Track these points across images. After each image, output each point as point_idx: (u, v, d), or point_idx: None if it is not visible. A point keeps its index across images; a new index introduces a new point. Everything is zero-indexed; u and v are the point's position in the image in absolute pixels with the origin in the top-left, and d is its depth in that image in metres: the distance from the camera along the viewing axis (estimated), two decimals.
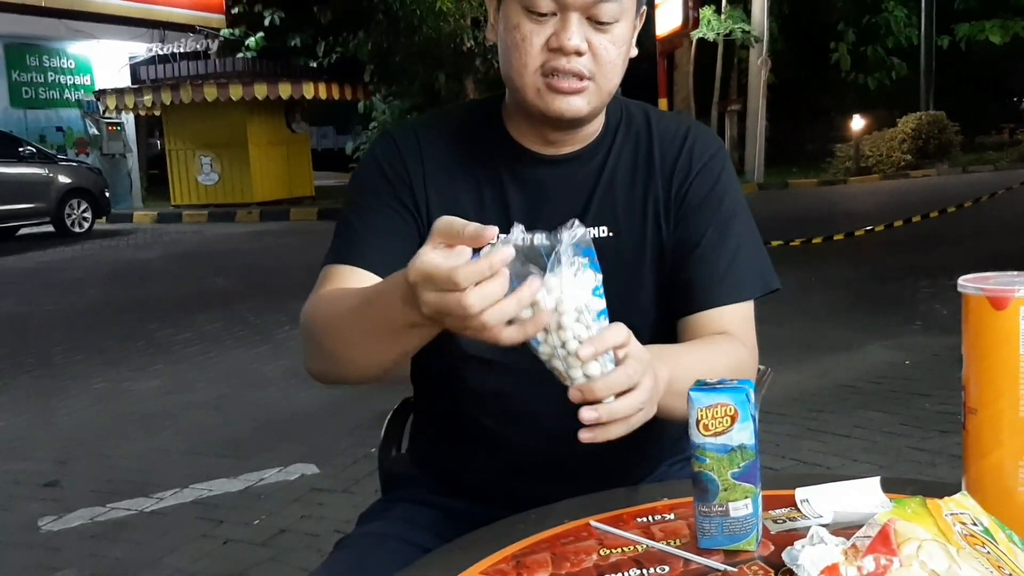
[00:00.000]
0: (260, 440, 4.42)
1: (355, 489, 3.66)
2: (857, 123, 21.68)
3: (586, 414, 0.92)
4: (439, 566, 0.96)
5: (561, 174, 1.29)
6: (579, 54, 1.17)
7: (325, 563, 1.25)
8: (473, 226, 0.87)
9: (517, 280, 0.89)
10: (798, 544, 0.82)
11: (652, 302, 1.29)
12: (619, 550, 0.96)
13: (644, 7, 1.26)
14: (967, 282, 0.88)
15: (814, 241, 9.35)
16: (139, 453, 4.34)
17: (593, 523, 1.02)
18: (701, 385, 0.94)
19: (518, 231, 0.90)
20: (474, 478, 1.33)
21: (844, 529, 0.88)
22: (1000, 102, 27.64)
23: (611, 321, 0.99)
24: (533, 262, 0.90)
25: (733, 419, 0.92)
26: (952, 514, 0.78)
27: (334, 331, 1.13)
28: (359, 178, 1.34)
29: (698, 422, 0.92)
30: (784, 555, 0.84)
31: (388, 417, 1.58)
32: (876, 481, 1.02)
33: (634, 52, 1.26)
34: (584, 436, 0.93)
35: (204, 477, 3.90)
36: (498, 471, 1.31)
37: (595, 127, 1.29)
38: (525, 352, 1.27)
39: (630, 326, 1.04)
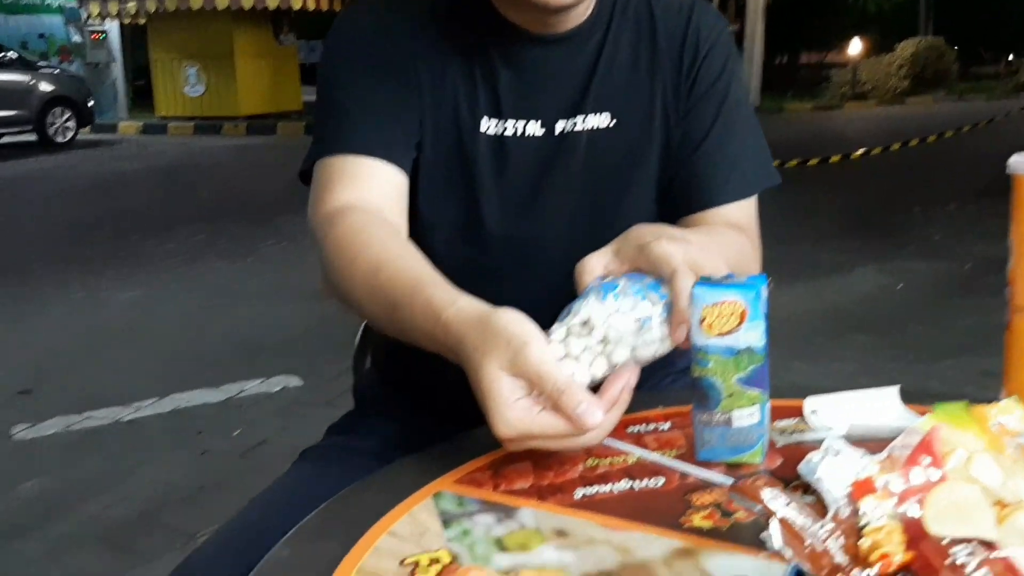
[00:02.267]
0: (242, 352, 4.34)
1: (338, 402, 3.54)
2: (855, 47, 21.36)
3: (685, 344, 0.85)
4: (410, 473, 0.87)
5: (556, 55, 1.14)
6: None
7: (288, 471, 1.17)
8: (573, 397, 0.77)
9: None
10: (815, 455, 0.73)
11: (655, 198, 1.18)
12: (608, 460, 0.87)
13: None
14: (1020, 159, 0.77)
15: (809, 163, 9.21)
16: (117, 363, 4.26)
17: None
18: (706, 281, 0.84)
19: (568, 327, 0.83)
20: (446, 395, 1.14)
21: (860, 443, 0.79)
22: (999, 30, 27.25)
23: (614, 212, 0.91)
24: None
25: (741, 318, 0.81)
26: (999, 423, 0.68)
27: (354, 301, 1.01)
28: (343, 50, 1.15)
29: (702, 320, 0.82)
30: (800, 467, 0.74)
31: (361, 328, 1.48)
32: (895, 390, 0.92)
33: None
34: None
35: (183, 388, 3.83)
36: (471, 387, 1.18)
37: (587, 4, 1.15)
38: (509, 256, 1.16)
39: (632, 223, 0.92)
